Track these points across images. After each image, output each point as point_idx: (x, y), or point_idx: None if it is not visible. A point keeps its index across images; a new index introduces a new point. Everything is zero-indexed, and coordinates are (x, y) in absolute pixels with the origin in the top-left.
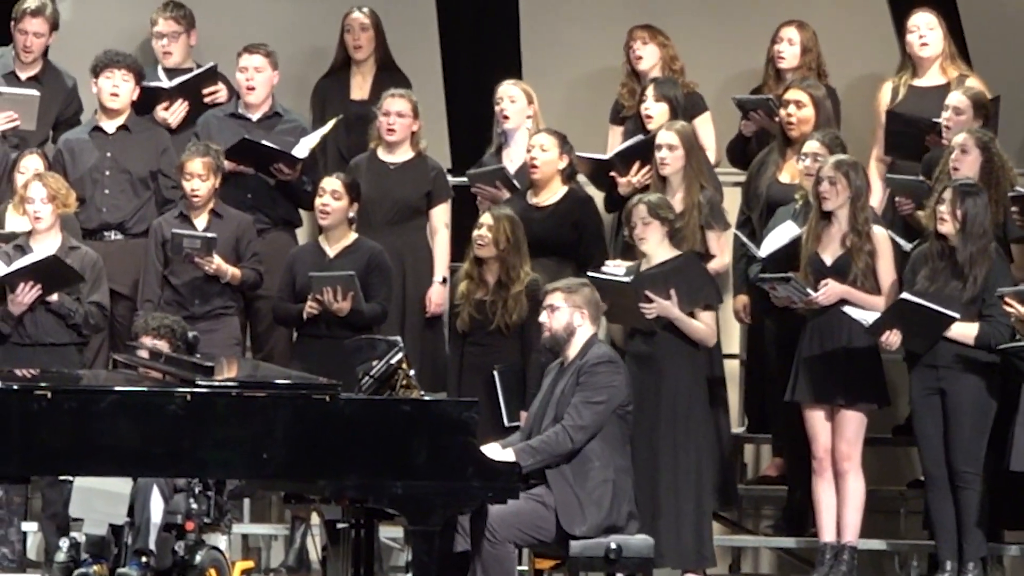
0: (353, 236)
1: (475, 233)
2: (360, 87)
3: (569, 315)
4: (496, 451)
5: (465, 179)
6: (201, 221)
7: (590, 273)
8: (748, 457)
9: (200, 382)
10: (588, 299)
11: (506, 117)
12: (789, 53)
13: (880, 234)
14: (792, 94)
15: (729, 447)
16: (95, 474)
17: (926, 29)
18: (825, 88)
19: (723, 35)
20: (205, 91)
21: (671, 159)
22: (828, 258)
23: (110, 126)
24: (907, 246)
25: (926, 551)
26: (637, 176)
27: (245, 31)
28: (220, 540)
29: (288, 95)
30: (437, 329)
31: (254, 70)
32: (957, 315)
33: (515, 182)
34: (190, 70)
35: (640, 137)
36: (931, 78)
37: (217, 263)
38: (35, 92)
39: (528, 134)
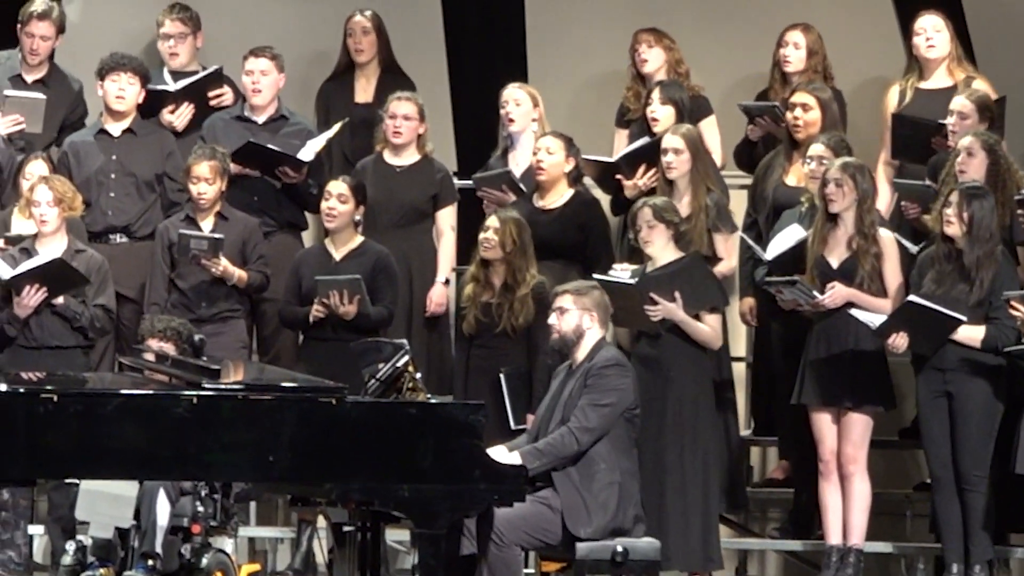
0: (359, 239)
1: (481, 236)
2: (364, 90)
3: (578, 317)
4: (502, 454)
5: (471, 182)
6: (207, 224)
7: (596, 276)
8: (754, 460)
9: (206, 385)
10: (598, 302)
11: (511, 120)
12: (795, 57)
13: (886, 237)
14: (798, 97)
15: (738, 450)
16: (101, 477)
17: (933, 31)
18: (831, 91)
19: (728, 38)
20: (211, 94)
21: (677, 163)
22: (834, 261)
23: (115, 129)
24: (913, 248)
25: (932, 554)
26: (643, 179)
27: (249, 34)
28: (226, 543)
29: (292, 98)
30: (443, 332)
31: (260, 73)
32: (964, 318)
33: (521, 186)
34: (196, 72)
35: (646, 140)
36: (938, 80)
37: (224, 264)
38: (41, 95)
39: (534, 137)
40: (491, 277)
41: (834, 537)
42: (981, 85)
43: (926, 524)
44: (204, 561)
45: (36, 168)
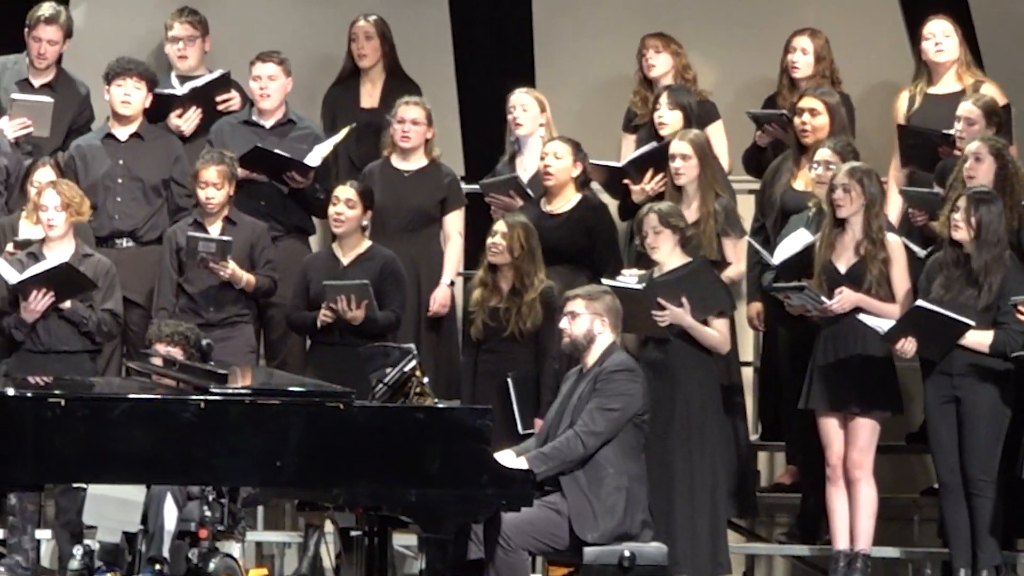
0: (367, 244)
1: (489, 240)
2: (370, 95)
3: (589, 322)
4: (510, 458)
5: (478, 187)
6: (215, 228)
7: (604, 281)
8: (762, 465)
9: (214, 389)
10: (609, 306)
11: (519, 125)
12: (803, 62)
13: (894, 241)
14: (806, 102)
15: (746, 454)
16: (109, 482)
17: (942, 36)
18: (839, 95)
19: (736, 43)
20: (218, 99)
21: (685, 169)
22: (842, 266)
23: (122, 133)
24: (921, 253)
25: (940, 559)
26: (651, 184)
27: (255, 39)
28: (234, 548)
29: (298, 102)
30: (451, 336)
31: (267, 78)
32: (972, 323)
33: (529, 191)
34: (203, 76)
35: (653, 144)
36: (947, 85)
37: (232, 268)
38: (48, 99)
39: (541, 142)
40: (499, 282)
41: (841, 542)
42: (990, 90)
43: (933, 529)
44: (211, 566)
45: (44, 175)
